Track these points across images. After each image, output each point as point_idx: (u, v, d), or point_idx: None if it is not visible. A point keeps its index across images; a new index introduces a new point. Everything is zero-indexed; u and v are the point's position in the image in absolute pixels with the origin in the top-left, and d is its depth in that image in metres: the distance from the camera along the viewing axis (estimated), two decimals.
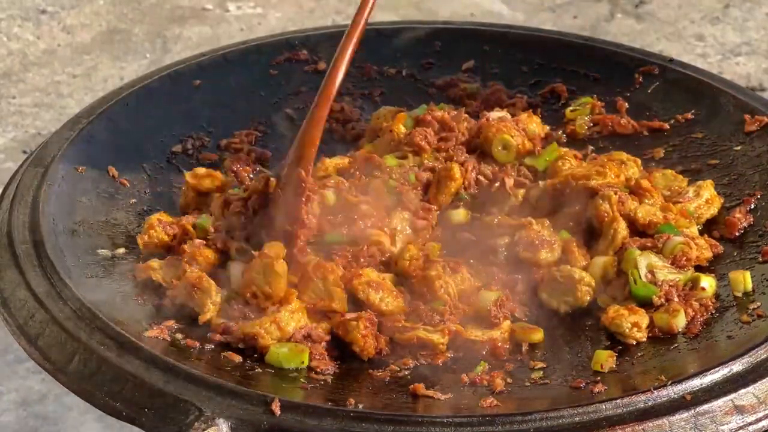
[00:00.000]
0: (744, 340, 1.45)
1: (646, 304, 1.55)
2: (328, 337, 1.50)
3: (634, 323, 1.51)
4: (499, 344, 1.51)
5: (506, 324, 1.53)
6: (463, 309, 1.55)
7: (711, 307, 1.55)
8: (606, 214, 1.66)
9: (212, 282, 1.53)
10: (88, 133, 1.79)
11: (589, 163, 1.78)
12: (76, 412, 2.58)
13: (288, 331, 1.48)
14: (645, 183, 1.73)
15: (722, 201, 1.75)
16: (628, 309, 1.53)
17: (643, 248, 1.62)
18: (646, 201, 1.70)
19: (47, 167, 1.70)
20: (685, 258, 1.61)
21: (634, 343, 1.50)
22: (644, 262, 1.59)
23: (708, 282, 1.58)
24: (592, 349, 1.50)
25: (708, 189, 1.75)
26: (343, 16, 4.15)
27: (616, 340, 1.52)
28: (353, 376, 1.46)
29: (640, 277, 1.57)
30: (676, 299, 1.55)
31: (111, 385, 1.36)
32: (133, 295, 1.54)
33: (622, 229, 1.64)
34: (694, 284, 1.58)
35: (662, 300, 1.55)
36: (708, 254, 1.65)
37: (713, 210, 1.74)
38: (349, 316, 1.50)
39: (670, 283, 1.57)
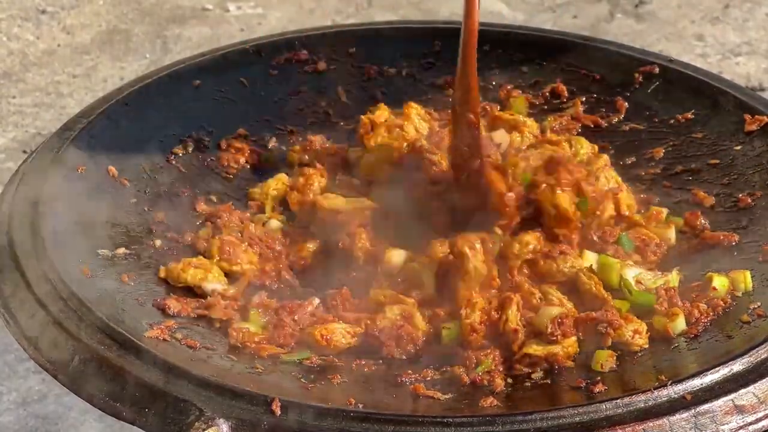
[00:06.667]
0: (744, 340, 1.45)
1: (646, 312, 1.55)
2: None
3: (635, 331, 1.50)
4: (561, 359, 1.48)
5: (570, 340, 1.50)
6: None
7: (720, 308, 1.54)
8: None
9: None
10: (88, 133, 1.79)
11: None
12: (76, 412, 2.58)
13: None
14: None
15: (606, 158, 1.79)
16: (624, 318, 1.52)
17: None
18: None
19: (47, 167, 1.70)
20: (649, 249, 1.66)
21: (638, 349, 1.50)
22: (631, 274, 1.60)
23: (720, 282, 1.57)
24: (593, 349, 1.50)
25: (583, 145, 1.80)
26: (343, 16, 4.15)
27: None
28: (354, 376, 1.46)
29: (634, 288, 1.57)
30: (679, 302, 1.55)
31: (111, 385, 1.36)
32: (133, 295, 1.54)
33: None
34: (705, 285, 1.58)
35: (664, 306, 1.55)
36: (631, 201, 1.72)
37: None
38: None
39: (664, 288, 1.58)
